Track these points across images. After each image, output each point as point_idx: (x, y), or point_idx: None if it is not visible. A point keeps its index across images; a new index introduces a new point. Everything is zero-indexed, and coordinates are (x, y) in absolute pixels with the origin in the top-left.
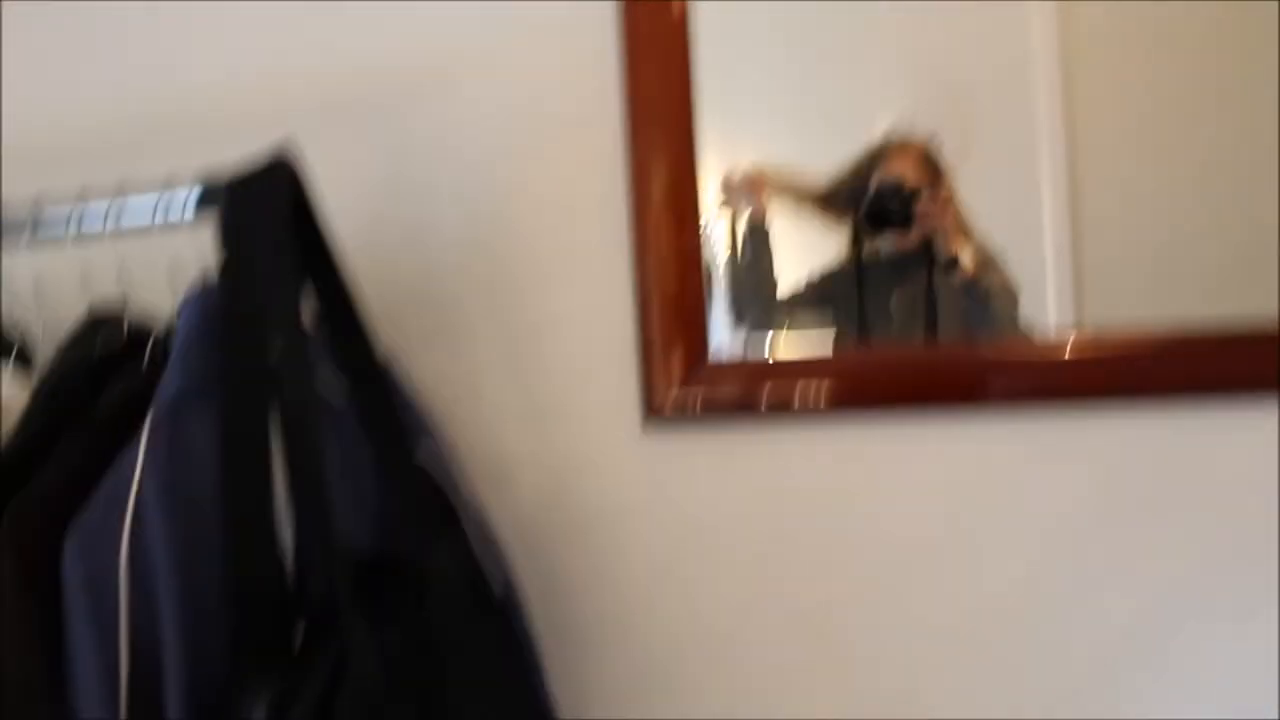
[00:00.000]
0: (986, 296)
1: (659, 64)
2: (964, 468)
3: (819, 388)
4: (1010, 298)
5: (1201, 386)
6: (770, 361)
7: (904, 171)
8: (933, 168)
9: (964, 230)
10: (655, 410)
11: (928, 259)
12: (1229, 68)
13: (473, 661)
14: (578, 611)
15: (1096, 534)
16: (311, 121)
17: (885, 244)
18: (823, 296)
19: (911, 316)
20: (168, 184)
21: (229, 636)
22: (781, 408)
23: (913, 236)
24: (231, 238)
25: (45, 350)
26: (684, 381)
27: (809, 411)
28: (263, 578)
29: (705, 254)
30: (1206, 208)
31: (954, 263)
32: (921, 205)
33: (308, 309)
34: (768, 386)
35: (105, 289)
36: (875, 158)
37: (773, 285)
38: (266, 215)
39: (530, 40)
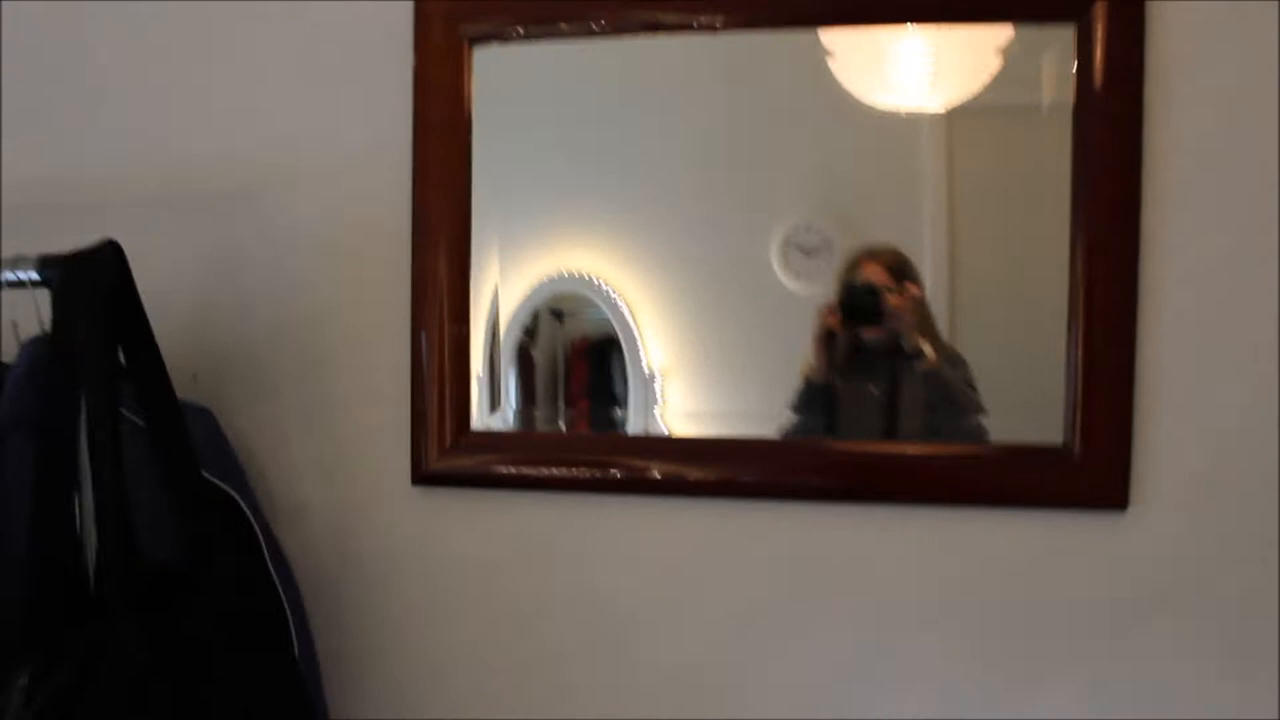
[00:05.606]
0: (944, 388)
1: (445, 186)
2: (668, 543)
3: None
4: (968, 396)
5: None
6: (525, 435)
7: (872, 275)
8: (899, 273)
9: (929, 329)
10: (422, 472)
11: (896, 351)
12: None
13: (234, 661)
14: (352, 634)
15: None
16: (150, 215)
17: (864, 335)
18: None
19: (874, 406)
20: (16, 261)
21: (18, 614)
22: (526, 478)
23: (885, 330)
24: (60, 303)
25: None
26: (448, 450)
27: (549, 481)
28: (54, 573)
29: (472, 345)
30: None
31: (918, 354)
32: (889, 300)
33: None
34: (516, 458)
35: None
36: (851, 266)
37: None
38: (90, 287)
39: (333, 164)
